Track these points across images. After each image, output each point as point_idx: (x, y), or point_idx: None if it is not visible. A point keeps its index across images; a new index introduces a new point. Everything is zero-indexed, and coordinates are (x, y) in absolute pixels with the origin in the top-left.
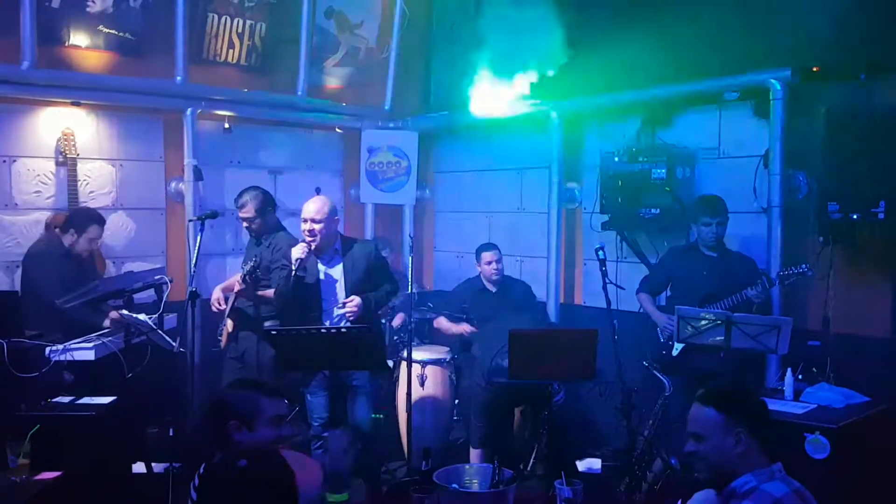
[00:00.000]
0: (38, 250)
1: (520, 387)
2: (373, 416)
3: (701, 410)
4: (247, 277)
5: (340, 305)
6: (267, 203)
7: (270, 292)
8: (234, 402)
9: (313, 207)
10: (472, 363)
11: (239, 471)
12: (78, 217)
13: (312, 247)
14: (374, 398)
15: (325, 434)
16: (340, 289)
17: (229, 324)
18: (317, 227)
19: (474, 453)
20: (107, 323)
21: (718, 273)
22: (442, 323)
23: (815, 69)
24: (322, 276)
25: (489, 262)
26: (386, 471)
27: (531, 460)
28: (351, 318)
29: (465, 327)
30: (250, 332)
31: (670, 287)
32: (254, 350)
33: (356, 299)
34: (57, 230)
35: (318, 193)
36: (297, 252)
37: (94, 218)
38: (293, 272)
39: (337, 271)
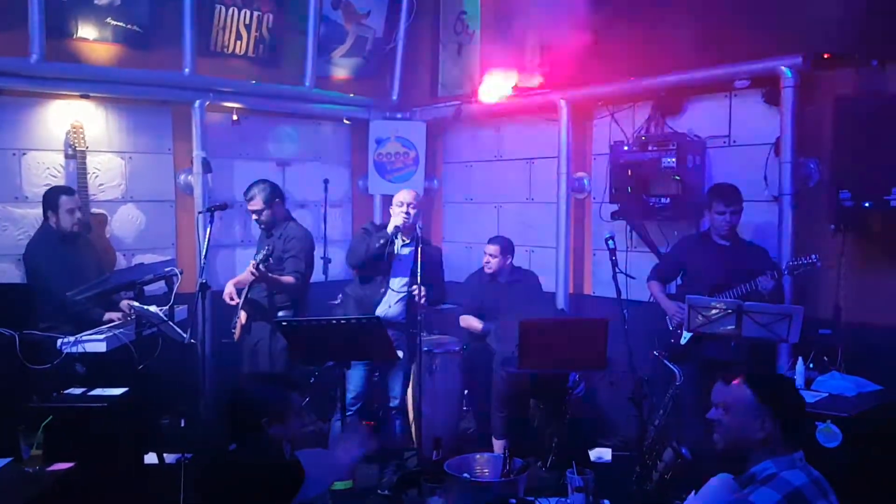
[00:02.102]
0: (33, 240)
1: (540, 377)
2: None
3: (739, 387)
4: (259, 266)
5: (414, 286)
6: (275, 194)
7: (287, 278)
8: (266, 399)
9: (410, 194)
10: (484, 354)
11: (230, 455)
12: (47, 197)
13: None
14: (409, 377)
15: (355, 407)
16: (408, 269)
17: (243, 316)
18: (412, 211)
19: (497, 444)
20: (107, 317)
21: (730, 262)
22: (471, 322)
23: (826, 56)
24: (396, 252)
25: (485, 254)
26: (399, 460)
27: (550, 456)
28: (420, 301)
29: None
30: (264, 323)
31: (681, 276)
32: (267, 340)
33: (423, 288)
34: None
35: (326, 185)
36: (398, 220)
37: (61, 189)
38: (391, 238)
39: (409, 252)
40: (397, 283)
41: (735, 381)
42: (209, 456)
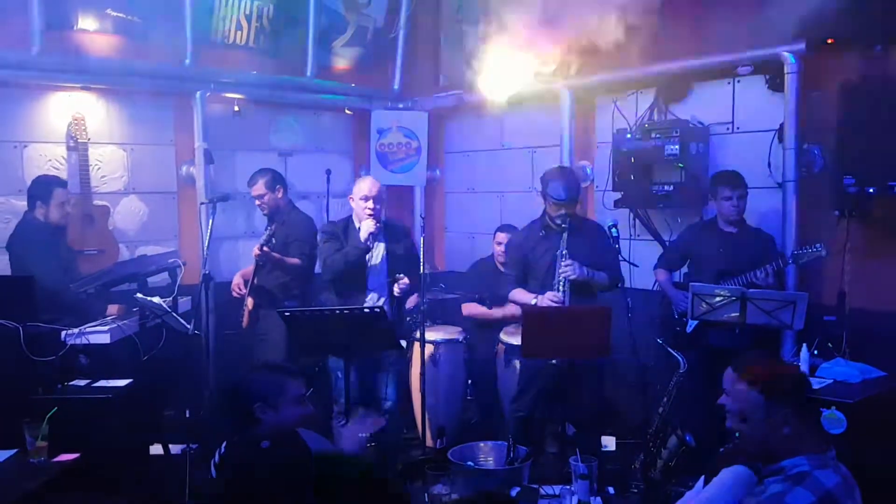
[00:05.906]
0: (19, 234)
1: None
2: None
3: (748, 392)
4: (263, 247)
5: (395, 279)
6: (276, 181)
7: (292, 259)
8: (259, 384)
9: (375, 186)
10: (487, 343)
11: (261, 451)
12: (38, 187)
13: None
14: (402, 378)
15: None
16: (383, 265)
17: (250, 302)
18: (378, 205)
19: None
20: (110, 310)
21: (735, 249)
22: (474, 309)
23: (829, 41)
24: (371, 264)
25: (500, 243)
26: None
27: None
28: (399, 294)
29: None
30: (271, 312)
31: (688, 263)
32: (276, 327)
33: (406, 278)
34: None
35: (328, 175)
36: (371, 227)
37: (55, 181)
38: (368, 247)
39: (380, 248)
40: (371, 300)
41: (741, 385)
42: (238, 454)
